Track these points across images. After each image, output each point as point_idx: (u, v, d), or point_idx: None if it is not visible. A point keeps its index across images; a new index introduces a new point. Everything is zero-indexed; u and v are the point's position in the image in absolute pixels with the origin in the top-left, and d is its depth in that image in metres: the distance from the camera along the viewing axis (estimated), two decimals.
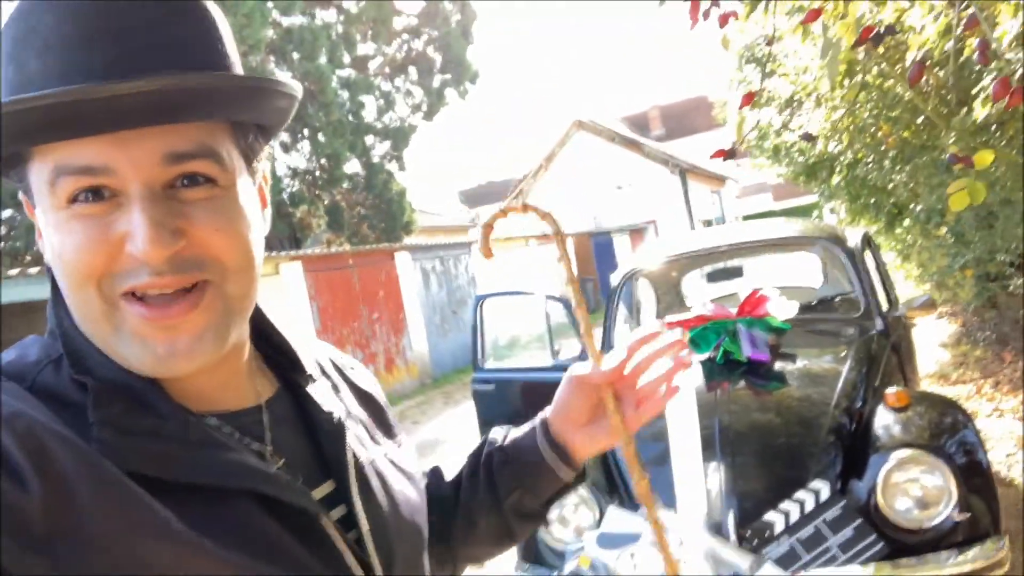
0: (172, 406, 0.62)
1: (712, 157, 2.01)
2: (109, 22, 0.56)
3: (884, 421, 2.50)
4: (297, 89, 0.65)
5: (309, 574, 0.62)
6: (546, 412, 0.91)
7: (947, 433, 2.42)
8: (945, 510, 2.22)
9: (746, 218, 33.03)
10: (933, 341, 7.56)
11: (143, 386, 0.61)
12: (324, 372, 0.83)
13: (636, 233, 24.01)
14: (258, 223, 0.67)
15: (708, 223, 28.38)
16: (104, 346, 0.61)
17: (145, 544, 0.53)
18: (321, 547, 0.65)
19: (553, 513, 2.66)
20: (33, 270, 7.08)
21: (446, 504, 0.93)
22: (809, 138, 2.66)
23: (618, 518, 2.51)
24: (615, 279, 4.02)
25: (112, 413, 0.58)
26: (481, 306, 4.30)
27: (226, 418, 0.67)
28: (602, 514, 2.58)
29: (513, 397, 4.09)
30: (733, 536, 2.28)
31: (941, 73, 3.77)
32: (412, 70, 18.25)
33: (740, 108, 1.91)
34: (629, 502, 2.57)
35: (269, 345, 0.78)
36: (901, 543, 2.22)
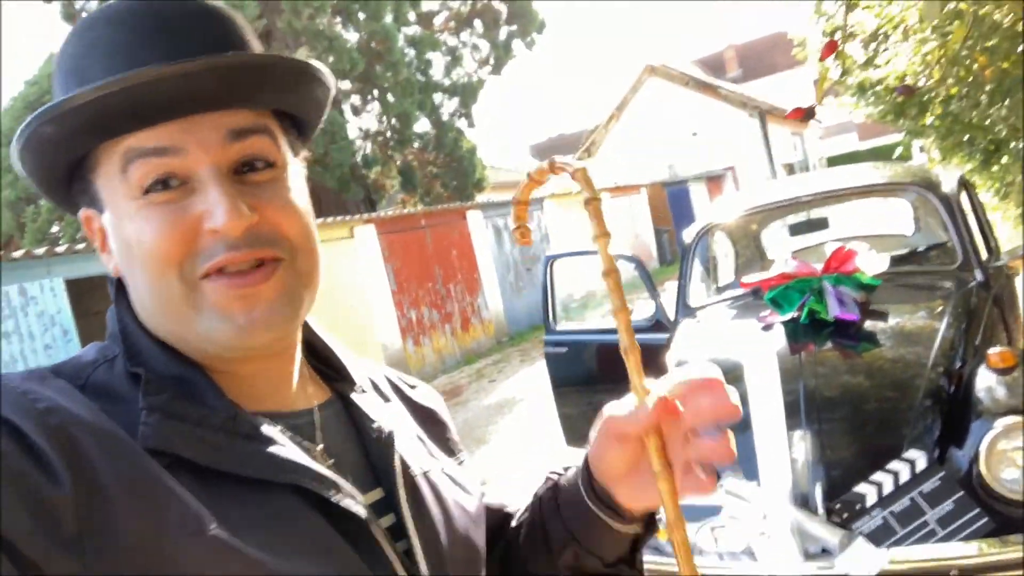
0: (222, 399, 0.62)
1: (788, 117, 1.84)
2: (163, 23, 0.60)
3: (987, 383, 2.30)
4: (332, 82, 0.67)
5: (359, 574, 0.61)
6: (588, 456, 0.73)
7: None
8: None
9: (830, 160, 31.71)
10: None
11: (196, 379, 0.63)
12: (376, 387, 0.82)
13: (713, 181, 23.33)
14: (311, 209, 0.69)
15: (790, 167, 27.36)
16: (185, 330, 0.63)
17: (177, 544, 0.52)
18: (370, 552, 0.63)
19: None
20: None
21: (510, 551, 0.83)
22: (907, 91, 2.42)
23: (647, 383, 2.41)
24: (689, 235, 3.86)
25: (160, 400, 0.59)
26: (551, 267, 4.21)
27: (277, 417, 0.66)
28: None
29: (586, 359, 4.01)
30: (821, 509, 2.16)
31: None
32: (477, 23, 17.98)
33: (821, 59, 1.72)
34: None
35: (318, 357, 0.79)
36: (1007, 517, 2.06)
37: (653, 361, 3.41)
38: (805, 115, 1.78)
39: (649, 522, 0.73)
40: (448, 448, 0.84)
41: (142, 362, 0.63)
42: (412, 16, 16.56)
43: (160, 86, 0.55)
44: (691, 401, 0.60)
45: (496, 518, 0.85)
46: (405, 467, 0.72)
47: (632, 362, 0.63)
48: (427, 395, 0.89)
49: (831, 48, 1.85)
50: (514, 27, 18.01)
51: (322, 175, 13.01)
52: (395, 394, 0.84)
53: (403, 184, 16.71)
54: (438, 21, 17.69)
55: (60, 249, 6.68)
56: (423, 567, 0.67)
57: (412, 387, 0.88)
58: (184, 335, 0.63)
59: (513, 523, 0.84)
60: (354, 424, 0.74)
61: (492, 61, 17.97)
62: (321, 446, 0.68)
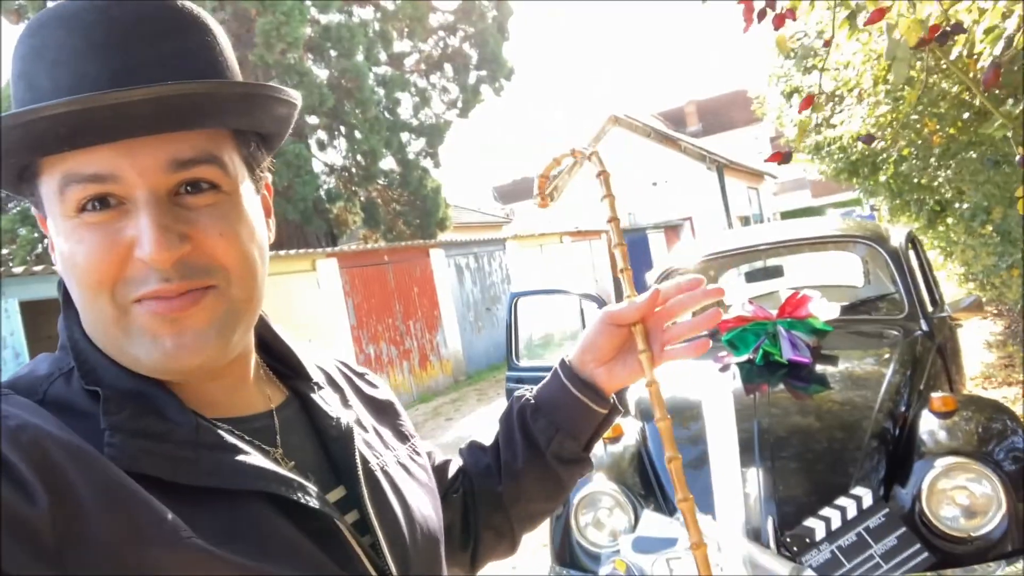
0: (182, 411, 0.62)
1: (767, 161, 1.98)
2: (116, 35, 0.58)
3: (929, 426, 2.43)
4: (296, 97, 0.66)
5: (329, 574, 0.63)
6: (565, 356, 0.91)
7: (996, 439, 2.34)
8: (993, 519, 2.15)
9: (784, 215, 32.61)
10: (978, 342, 7.36)
11: (154, 392, 0.62)
12: (331, 380, 0.84)
13: (672, 230, 23.79)
14: (262, 230, 0.68)
15: (745, 220, 28.03)
16: (115, 351, 0.62)
17: (154, 552, 0.53)
18: (338, 550, 0.65)
19: (588, 516, 2.63)
20: None
21: (491, 471, 0.94)
22: (869, 140, 2.60)
23: (654, 522, 2.47)
24: (651, 277, 3.98)
25: (123, 418, 0.59)
26: (516, 304, 4.29)
27: (236, 423, 0.67)
28: (637, 518, 2.55)
29: None
30: (772, 543, 2.24)
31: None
32: (448, 67, 18.27)
33: (800, 111, 1.88)
34: (665, 506, 2.54)
35: (272, 355, 0.79)
36: (947, 553, 2.16)
37: (619, 397, 3.49)
38: (783, 159, 1.94)
39: (614, 406, 0.91)
40: (401, 435, 0.87)
41: (98, 379, 0.62)
42: (383, 56, 16.77)
43: (97, 112, 0.54)
44: (674, 297, 0.84)
45: (471, 450, 0.98)
46: (365, 463, 0.74)
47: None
48: (377, 382, 0.92)
49: (808, 102, 2.03)
50: (483, 72, 18.34)
51: (285, 207, 12.98)
52: (348, 384, 0.86)
53: (366, 220, 16.73)
54: (409, 62, 17.94)
55: (17, 270, 6.56)
56: (389, 560, 0.70)
57: (361, 375, 0.91)
58: (117, 356, 0.62)
59: (486, 446, 0.97)
60: (312, 423, 0.75)
61: (460, 104, 18.23)
62: (281, 451, 0.69)
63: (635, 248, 20.74)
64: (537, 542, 3.51)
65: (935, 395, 2.48)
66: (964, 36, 3.09)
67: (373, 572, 0.67)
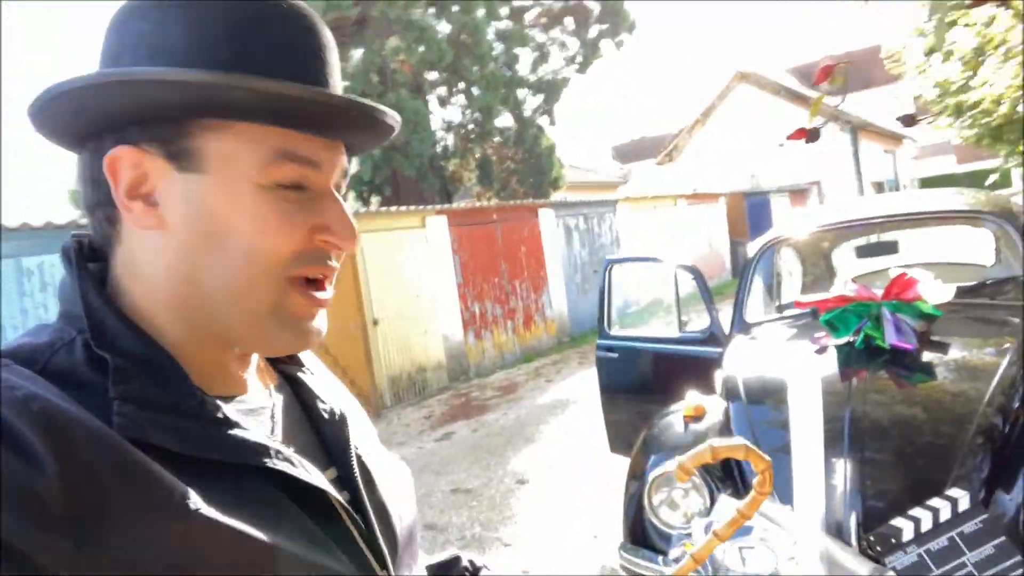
0: (189, 385, 0.63)
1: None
2: (323, 40, 0.66)
3: None
4: (397, 121, 0.72)
5: (328, 550, 0.64)
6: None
7: None
8: None
9: (924, 181, 30.48)
10: None
11: (164, 362, 0.63)
12: (319, 367, 0.87)
13: (797, 194, 22.73)
14: None
15: (879, 186, 26.42)
16: (254, 328, 0.65)
17: (165, 521, 0.54)
18: (335, 528, 0.67)
19: (662, 495, 2.56)
20: None
21: None
22: (910, 121, 2.33)
23: (730, 508, 2.38)
24: (752, 248, 3.79)
25: (133, 388, 0.59)
26: (610, 271, 4.19)
27: (234, 402, 0.69)
28: (713, 502, 2.46)
29: (637, 366, 3.98)
30: (854, 540, 2.10)
31: None
32: (568, 21, 17.93)
33: (816, 83, 1.66)
34: (744, 492, 2.43)
35: None
36: None
37: (704, 374, 3.37)
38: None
39: None
40: (369, 427, 0.88)
41: (107, 343, 0.61)
42: (504, 11, 16.63)
43: (342, 109, 0.62)
44: None
45: None
46: (355, 447, 0.76)
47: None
48: (333, 378, 0.93)
49: (826, 72, 1.79)
50: (605, 26, 17.89)
51: (402, 163, 13.22)
52: (325, 373, 0.88)
53: (480, 178, 16.84)
54: (529, 17, 17.73)
55: None
56: (380, 540, 0.71)
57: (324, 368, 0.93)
58: (251, 329, 0.65)
59: None
60: (304, 405, 0.78)
61: (579, 59, 17.90)
62: (280, 432, 0.71)
63: (756, 212, 19.98)
64: (538, 540, 3.44)
65: None
66: None
67: (366, 550, 0.69)
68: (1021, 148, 7.49)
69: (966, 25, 5.93)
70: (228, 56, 0.61)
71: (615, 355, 4.01)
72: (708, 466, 2.57)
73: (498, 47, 16.05)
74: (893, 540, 2.08)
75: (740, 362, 3.02)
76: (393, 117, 0.68)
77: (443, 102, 16.86)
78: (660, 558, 2.51)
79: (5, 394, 0.52)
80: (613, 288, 4.18)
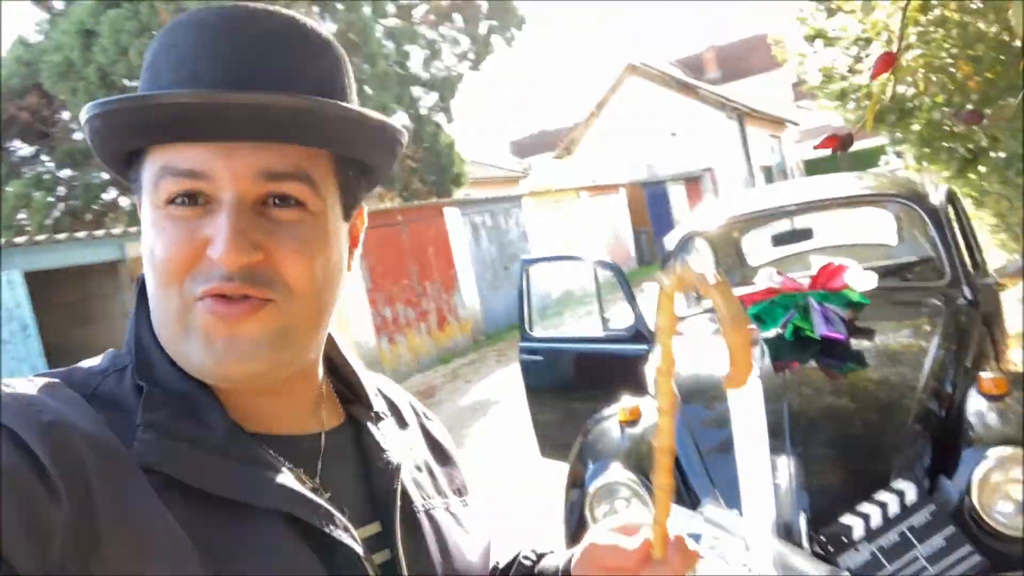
0: (223, 420, 0.62)
1: (818, 147, 1.68)
2: (240, 47, 0.61)
3: (978, 410, 2.21)
4: (400, 131, 0.67)
5: None
6: (572, 556, 0.80)
7: None
8: None
9: (807, 163, 31.86)
10: (1011, 299, 7.05)
11: (200, 397, 0.63)
12: (397, 413, 0.82)
13: (692, 182, 23.35)
14: (340, 260, 0.68)
15: (767, 170, 27.47)
16: (175, 349, 0.63)
17: (156, 568, 0.53)
18: None
19: (604, 507, 2.46)
20: (81, 234, 7.12)
21: None
22: (976, 118, 2.26)
23: (676, 516, 2.30)
24: (670, 241, 3.75)
25: (159, 417, 0.60)
26: (527, 271, 4.08)
27: (278, 442, 0.66)
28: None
29: (562, 368, 3.89)
30: (805, 541, 2.05)
31: None
32: (457, 17, 17.80)
33: (874, 77, 1.51)
34: (688, 498, 2.36)
35: (337, 377, 0.79)
36: (998, 553, 1.96)
37: (632, 372, 3.30)
38: (840, 144, 1.58)
39: None
40: (456, 488, 0.83)
41: (150, 375, 0.63)
42: (391, 8, 16.34)
43: (201, 109, 0.57)
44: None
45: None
46: (407, 501, 0.72)
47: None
48: (441, 431, 0.90)
49: (888, 62, 1.50)
50: (494, 22, 17.86)
51: None
52: (415, 422, 0.85)
53: None
54: (418, 14, 17.48)
55: (19, 240, 6.45)
56: None
57: (429, 420, 0.89)
58: (175, 354, 0.63)
59: None
60: (362, 452, 0.73)
61: (472, 56, 17.80)
62: (318, 478, 0.67)
63: (655, 202, 20.38)
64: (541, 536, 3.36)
65: (984, 375, 2.26)
66: None
67: None
68: (906, 128, 7.81)
69: (849, 11, 6.12)
70: (144, 81, 0.63)
71: (539, 357, 3.90)
72: (649, 472, 2.49)
73: (388, 45, 15.76)
74: (844, 539, 2.04)
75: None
76: (309, 106, 0.60)
77: None
78: None
79: (32, 417, 0.53)
80: (532, 287, 4.07)
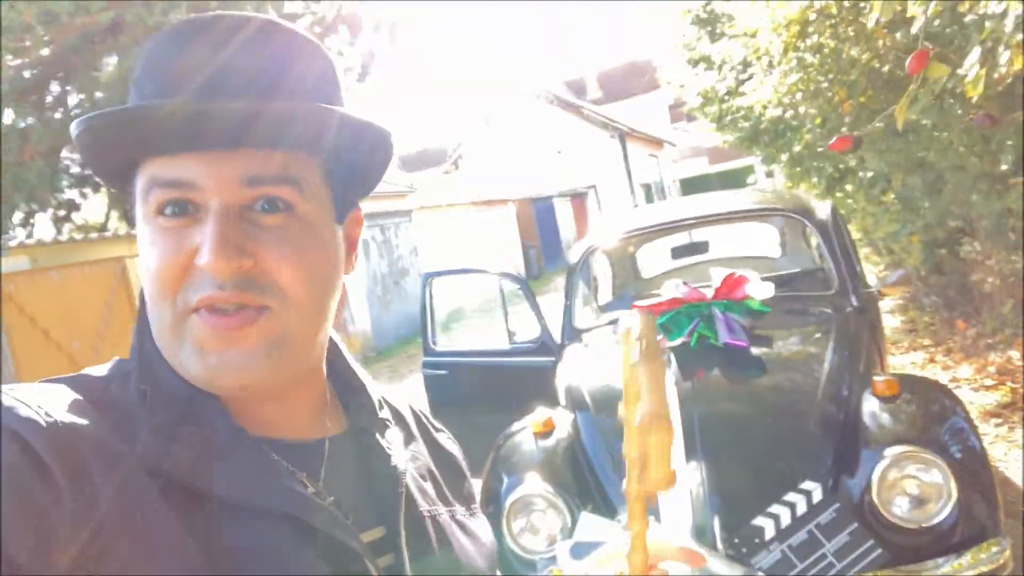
0: (227, 424, 0.63)
1: (831, 148, 1.81)
2: (216, 51, 0.60)
3: (873, 411, 2.34)
4: (386, 131, 0.67)
5: None
6: None
7: (940, 424, 2.28)
8: (944, 509, 2.07)
9: (683, 182, 33.24)
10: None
11: (204, 402, 0.63)
12: (401, 420, 0.82)
13: (577, 198, 23.88)
14: (335, 262, 0.68)
15: (647, 187, 28.45)
16: (171, 359, 0.63)
17: (159, 569, 0.53)
18: None
19: (521, 520, 2.44)
20: None
21: None
22: (991, 120, 2.41)
23: (592, 525, 2.30)
24: (573, 255, 3.80)
25: (164, 421, 0.60)
26: (430, 285, 4.03)
27: (281, 446, 0.66)
28: (574, 520, 2.38)
29: (468, 381, 3.85)
30: (720, 544, 2.10)
31: (899, 35, 3.61)
32: (343, 29, 17.56)
33: (911, 73, 1.67)
34: (604, 506, 2.37)
35: (341, 384, 0.78)
36: (897, 545, 2.08)
37: (540, 384, 3.30)
38: (852, 144, 1.75)
39: None
40: (463, 498, 0.84)
41: (153, 380, 0.63)
42: (273, 16, 15.94)
43: (178, 120, 0.57)
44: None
45: None
46: (411, 506, 0.72)
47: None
48: (449, 441, 0.89)
49: (922, 60, 1.82)
50: (380, 36, 17.71)
51: None
52: (419, 431, 0.84)
53: None
54: (302, 25, 17.13)
55: None
56: None
57: (437, 429, 0.88)
58: (171, 362, 0.63)
59: None
60: (366, 459, 0.73)
61: (358, 69, 17.59)
62: (321, 483, 0.67)
63: (542, 216, 20.69)
64: None
65: (878, 378, 2.39)
66: (878, 2, 2.99)
67: None
68: (777, 147, 8.26)
69: (732, 37, 6.44)
70: (131, 96, 0.63)
71: (443, 372, 3.85)
72: (564, 483, 2.49)
73: None
74: (757, 540, 2.10)
75: (580, 371, 2.98)
76: (286, 113, 0.61)
77: None
78: None
79: (37, 420, 0.53)
80: (434, 301, 4.02)
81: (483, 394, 3.77)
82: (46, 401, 0.56)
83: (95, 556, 0.51)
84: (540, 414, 2.72)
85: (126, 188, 0.66)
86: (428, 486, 0.78)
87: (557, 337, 3.51)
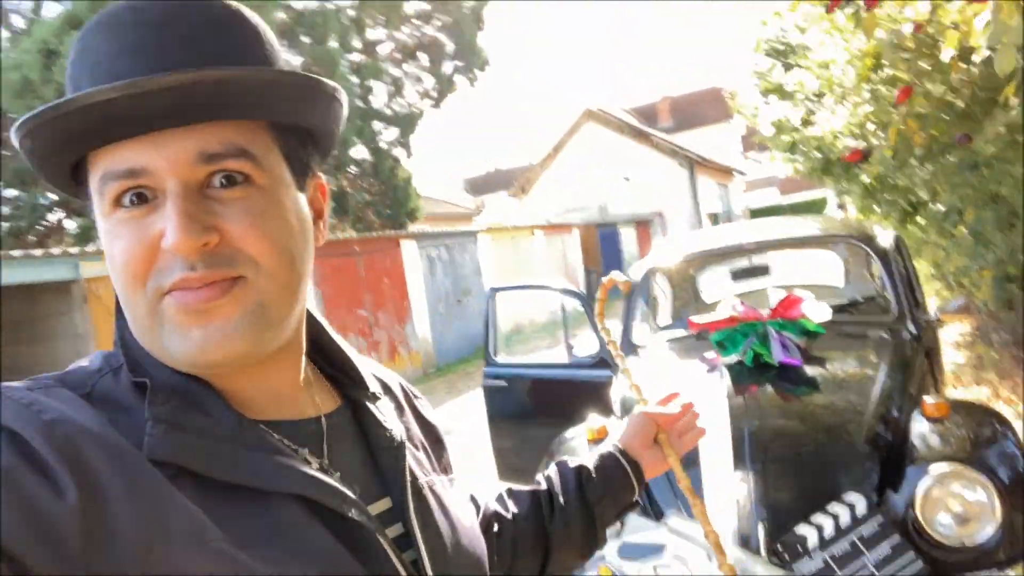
0: (226, 409, 0.63)
1: (846, 159, 1.98)
2: (149, 36, 0.59)
3: (922, 431, 2.39)
4: (334, 88, 0.65)
5: None
6: (615, 440, 1.10)
7: (989, 445, 2.30)
8: (987, 528, 2.11)
9: (753, 212, 32.85)
10: (945, 340, 7.43)
11: (199, 389, 0.63)
12: (389, 392, 0.84)
13: (642, 225, 23.86)
14: (301, 227, 0.66)
15: (714, 217, 28.22)
16: (152, 346, 0.62)
17: (180, 555, 0.53)
18: (377, 563, 0.64)
19: None
20: (36, 251, 7.00)
21: (539, 514, 1.02)
22: (864, 158, 2.54)
23: (641, 527, 2.40)
24: (635, 274, 3.91)
25: (166, 411, 0.60)
26: (494, 299, 4.19)
27: (282, 427, 0.67)
28: (623, 522, 2.48)
29: (525, 394, 3.99)
30: (763, 550, 2.18)
31: (975, 69, 3.64)
32: (422, 56, 18.07)
33: (899, 103, 1.83)
34: (652, 510, 2.47)
35: (330, 362, 0.80)
36: (940, 561, 2.12)
37: (595, 398, 3.42)
38: (862, 157, 1.93)
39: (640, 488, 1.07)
40: (444, 465, 0.87)
41: (144, 373, 0.63)
42: (357, 43, 16.53)
43: (122, 103, 0.55)
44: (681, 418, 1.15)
45: (511, 493, 1.05)
46: (414, 477, 0.74)
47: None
48: (429, 410, 0.92)
49: (906, 93, 2.03)
50: (458, 62, 18.18)
51: None
52: (405, 401, 0.87)
53: (335, 209, 16.51)
54: (383, 51, 17.71)
55: None
56: None
57: (417, 398, 0.92)
58: (154, 351, 0.62)
59: (509, 509, 1.02)
60: (364, 432, 0.75)
61: (434, 94, 18.06)
62: (326, 460, 0.68)
63: (607, 241, 20.75)
64: None
65: (928, 399, 2.44)
66: (955, 35, 3.05)
67: None
68: (850, 179, 8.19)
69: (805, 68, 6.47)
70: (70, 87, 0.61)
71: (503, 383, 4.00)
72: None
73: (352, 79, 15.91)
74: (799, 547, 2.17)
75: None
76: (234, 78, 0.59)
77: None
78: None
79: (32, 417, 0.53)
80: (498, 316, 4.18)
81: (540, 406, 3.90)
82: (39, 398, 0.56)
83: (112, 548, 0.51)
84: (594, 421, 2.84)
85: (79, 191, 0.65)
86: (421, 455, 0.81)
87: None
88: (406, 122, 17.34)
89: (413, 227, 16.36)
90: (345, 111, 0.69)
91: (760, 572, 2.16)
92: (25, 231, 13.95)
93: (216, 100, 0.59)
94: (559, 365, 3.83)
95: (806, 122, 7.04)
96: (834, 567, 2.12)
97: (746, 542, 2.22)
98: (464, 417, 7.95)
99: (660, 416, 1.11)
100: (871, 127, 4.95)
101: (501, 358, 4.21)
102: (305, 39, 14.67)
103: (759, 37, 8.70)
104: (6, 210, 14.09)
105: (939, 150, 4.77)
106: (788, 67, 7.79)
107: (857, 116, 4.99)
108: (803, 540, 2.18)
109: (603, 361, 3.61)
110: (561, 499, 1.03)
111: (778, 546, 2.18)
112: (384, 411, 0.78)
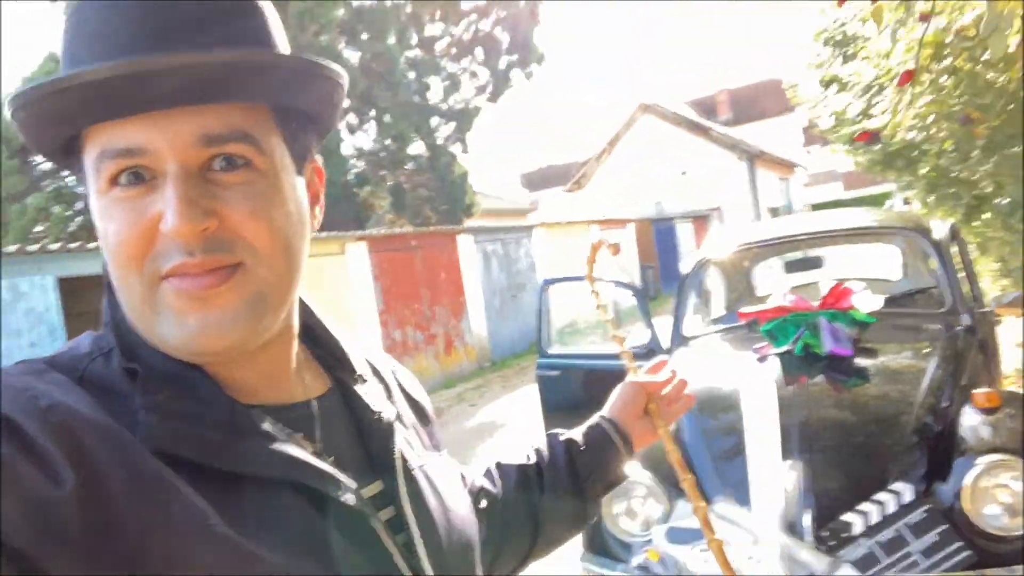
0: (219, 394, 0.62)
1: (856, 140, 2.04)
2: (154, 10, 0.57)
3: (971, 422, 2.39)
4: (338, 73, 0.64)
5: (358, 573, 0.62)
6: (604, 412, 1.09)
7: None
8: None
9: (815, 207, 32.14)
10: (1009, 340, 7.20)
11: (191, 374, 0.62)
12: (378, 374, 0.83)
13: (700, 220, 23.58)
14: (300, 213, 0.66)
15: (775, 211, 27.73)
16: (147, 331, 0.61)
17: (180, 540, 0.53)
18: (370, 546, 0.64)
19: (621, 505, 2.62)
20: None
21: (530, 487, 1.02)
22: (873, 139, 2.59)
23: (688, 513, 2.46)
24: (686, 267, 3.94)
25: (159, 399, 0.59)
26: (547, 291, 4.27)
27: (273, 411, 0.66)
28: (672, 507, 2.54)
29: (578, 383, 4.05)
30: (809, 536, 2.21)
31: None
32: (479, 51, 18.22)
33: (898, 87, 1.91)
34: (702, 498, 2.52)
35: (319, 344, 0.78)
36: (987, 551, 2.12)
37: None
38: (870, 138, 2.01)
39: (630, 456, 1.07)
40: (434, 444, 0.86)
41: (136, 357, 0.61)
42: (415, 40, 16.75)
43: (125, 82, 0.54)
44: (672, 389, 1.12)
45: (500, 467, 1.05)
46: (404, 460, 0.73)
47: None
48: (417, 389, 0.92)
49: (907, 77, 2.08)
50: (514, 57, 18.27)
51: None
52: (394, 382, 0.86)
53: (393, 204, 16.79)
54: (440, 46, 17.91)
55: (53, 247, 6.65)
56: (423, 560, 0.68)
57: (406, 377, 0.91)
58: (148, 335, 0.61)
59: (497, 483, 1.02)
60: (354, 414, 0.74)
61: (490, 89, 18.19)
62: (320, 444, 0.68)
63: (663, 237, 20.60)
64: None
65: (978, 391, 2.43)
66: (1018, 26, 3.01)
67: (406, 570, 0.66)
68: (916, 172, 8.01)
69: (864, 58, 6.37)
70: (64, 66, 0.59)
71: (556, 373, 4.07)
72: (667, 473, 2.65)
73: (410, 75, 16.14)
74: (845, 534, 2.20)
75: (685, 373, 3.13)
76: (251, 55, 0.59)
77: (353, 129, 16.78)
78: (620, 566, 2.57)
79: (28, 403, 0.52)
80: (551, 308, 4.25)
81: (593, 395, 3.96)
82: (34, 383, 0.55)
83: (111, 536, 0.50)
84: None
85: (73, 164, 0.63)
86: (411, 436, 0.80)
87: (666, 344, 3.67)
88: (463, 117, 17.51)
89: (469, 223, 16.52)
90: (344, 93, 0.68)
91: (805, 558, 2.20)
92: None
93: (220, 82, 0.57)
94: (610, 355, 3.88)
95: (865, 114, 6.91)
96: (879, 554, 2.14)
97: (792, 529, 2.26)
98: (517, 410, 8.06)
99: (650, 384, 1.09)
100: (931, 118, 4.85)
101: (554, 349, 4.28)
102: (364, 35, 14.93)
103: (817, 27, 8.56)
104: (79, 205, 14.74)
105: (1002, 142, 4.66)
106: (847, 58, 7.65)
107: (916, 107, 4.89)
108: (849, 527, 2.21)
109: (652, 352, 3.66)
110: (550, 474, 1.01)
111: (824, 533, 2.22)
112: (373, 393, 0.77)
